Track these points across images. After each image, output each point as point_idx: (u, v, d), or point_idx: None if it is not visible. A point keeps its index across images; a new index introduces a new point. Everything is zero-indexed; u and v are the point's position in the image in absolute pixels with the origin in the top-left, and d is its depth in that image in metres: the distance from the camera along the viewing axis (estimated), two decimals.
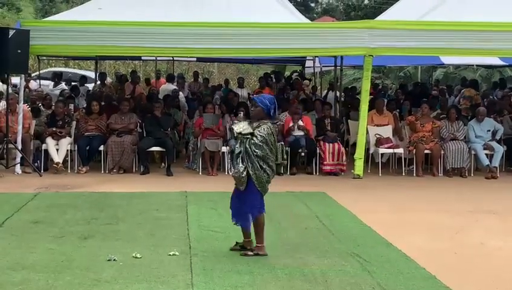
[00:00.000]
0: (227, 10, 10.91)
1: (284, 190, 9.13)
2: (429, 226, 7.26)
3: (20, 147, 10.16)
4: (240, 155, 5.70)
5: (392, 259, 5.84)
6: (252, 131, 5.70)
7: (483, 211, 8.11)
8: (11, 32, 9.80)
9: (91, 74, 19.58)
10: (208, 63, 29.00)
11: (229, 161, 10.68)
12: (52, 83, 16.72)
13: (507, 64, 19.17)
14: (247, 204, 5.83)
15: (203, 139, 10.70)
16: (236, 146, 5.78)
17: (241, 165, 5.68)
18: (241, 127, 5.75)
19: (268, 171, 5.74)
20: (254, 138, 5.67)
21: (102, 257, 5.63)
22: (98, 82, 16.01)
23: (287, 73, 21.89)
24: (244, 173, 5.68)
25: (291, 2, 15.18)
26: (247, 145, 5.67)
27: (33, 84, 16.23)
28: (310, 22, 13.07)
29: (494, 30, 10.16)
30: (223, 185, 9.45)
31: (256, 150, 5.65)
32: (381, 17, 11.64)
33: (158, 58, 17.70)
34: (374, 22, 10.77)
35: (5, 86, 12.07)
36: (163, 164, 11.04)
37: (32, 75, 17.69)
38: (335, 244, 6.29)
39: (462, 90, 15.88)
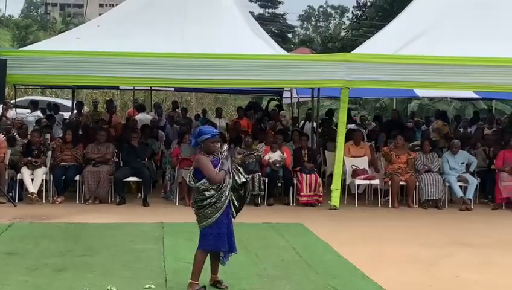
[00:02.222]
0: (206, 41, 10.97)
1: (261, 221, 9.15)
2: (405, 258, 7.30)
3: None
4: None
5: None
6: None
7: (458, 243, 8.18)
8: None
9: (68, 103, 19.49)
10: (186, 93, 29.06)
11: None
12: (29, 111, 16.64)
13: (480, 97, 19.51)
14: None
15: (180, 169, 10.68)
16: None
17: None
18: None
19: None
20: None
21: None
22: (75, 111, 15.95)
23: (264, 103, 22.00)
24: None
25: (268, 33, 15.36)
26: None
27: (10, 113, 16.11)
28: (287, 53, 13.19)
29: (467, 64, 10.33)
30: None
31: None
32: (358, 50, 11.78)
33: (136, 87, 17.70)
34: (350, 55, 10.91)
35: None
36: (139, 194, 10.99)
37: (11, 102, 17.52)
38: (311, 277, 6.30)
39: (433, 123, 16.14)
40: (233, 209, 5.80)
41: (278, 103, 19.48)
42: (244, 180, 5.80)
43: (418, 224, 9.61)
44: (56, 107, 16.95)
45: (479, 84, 11.14)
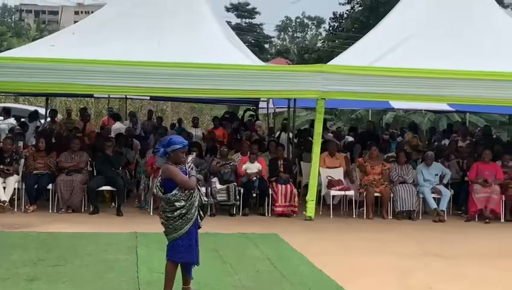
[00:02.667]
0: (182, 51, 10.93)
1: (236, 231, 9.13)
2: (379, 269, 7.32)
3: None
4: None
5: None
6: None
7: (431, 254, 8.24)
8: None
9: (41, 110, 19.27)
10: (162, 102, 28.93)
11: None
12: (1, 118, 16.41)
13: (454, 110, 19.74)
14: None
15: (154, 178, 10.60)
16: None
17: None
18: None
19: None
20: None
21: None
22: (48, 119, 15.77)
23: (240, 112, 22.01)
24: None
25: (245, 43, 15.38)
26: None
27: None
28: (264, 64, 13.23)
29: (442, 77, 10.45)
30: None
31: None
32: (334, 61, 11.86)
33: (111, 95, 17.58)
34: (326, 66, 10.97)
35: None
36: (113, 204, 10.89)
37: None
38: (286, 288, 6.29)
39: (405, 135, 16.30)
40: (200, 220, 5.73)
41: (253, 113, 19.50)
42: (204, 202, 5.75)
43: (392, 235, 9.66)
44: (35, 114, 16.69)
45: (453, 97, 11.26)
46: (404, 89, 10.60)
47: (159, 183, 5.60)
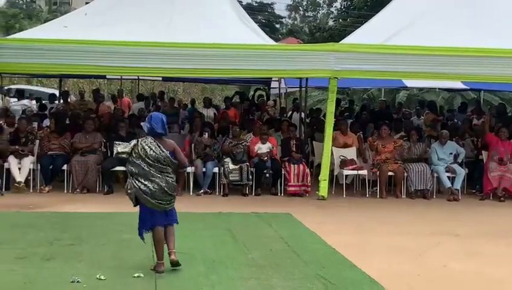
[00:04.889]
0: (194, 31, 10.90)
1: (249, 210, 9.16)
2: (392, 248, 7.32)
3: None
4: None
5: (357, 281, 5.88)
6: (128, 151, 5.89)
7: (446, 233, 8.22)
8: None
9: (55, 92, 19.36)
10: (173, 83, 28.94)
11: (193, 181, 10.68)
12: (15, 99, 16.52)
13: (468, 88, 19.59)
14: (139, 220, 6.01)
15: None
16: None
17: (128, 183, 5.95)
18: (121, 147, 5.97)
19: (150, 186, 5.80)
20: (130, 157, 5.89)
21: (66, 279, 5.55)
22: (61, 100, 15.84)
23: (252, 93, 21.96)
24: (129, 190, 5.90)
25: (256, 23, 15.29)
26: (126, 165, 5.97)
27: None
28: (275, 43, 13.16)
29: (456, 55, 10.33)
30: (188, 206, 9.44)
31: (131, 168, 5.87)
32: (347, 40, 11.76)
33: (123, 77, 17.61)
34: (339, 45, 10.90)
35: None
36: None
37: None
38: (300, 266, 6.31)
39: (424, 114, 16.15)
40: None
41: (263, 92, 19.46)
42: None
43: (406, 214, 9.66)
44: (53, 97, 16.80)
45: (468, 75, 11.21)
46: (417, 67, 10.51)
47: (168, 152, 5.90)
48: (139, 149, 5.82)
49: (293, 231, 7.97)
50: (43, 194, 10.25)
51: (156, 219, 5.91)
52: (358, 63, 10.43)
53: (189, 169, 10.61)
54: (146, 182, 5.79)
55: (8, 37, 13.50)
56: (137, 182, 5.80)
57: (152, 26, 11.02)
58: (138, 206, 5.98)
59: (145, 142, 5.86)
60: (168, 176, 5.90)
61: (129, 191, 5.89)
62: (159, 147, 5.86)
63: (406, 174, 10.98)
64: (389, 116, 14.99)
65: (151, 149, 5.82)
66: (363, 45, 10.60)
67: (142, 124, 5.90)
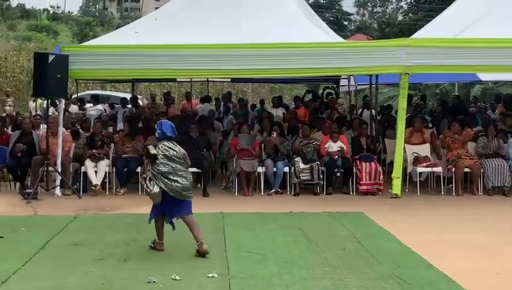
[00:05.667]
0: (262, 32, 10.95)
1: (320, 210, 9.11)
2: (469, 246, 7.12)
3: (59, 170, 10.32)
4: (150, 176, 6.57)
5: (433, 280, 5.75)
6: (157, 153, 6.51)
7: None
8: (51, 58, 10.01)
9: (127, 96, 19.84)
10: (242, 84, 29.16)
11: (263, 181, 10.71)
12: (91, 105, 17.02)
13: None
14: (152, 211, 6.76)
15: (238, 159, 10.72)
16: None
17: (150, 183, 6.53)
18: (153, 150, 6.56)
19: (180, 180, 6.49)
20: (156, 160, 6.51)
21: (142, 279, 5.66)
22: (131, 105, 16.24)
23: (320, 91, 21.82)
24: (154, 190, 6.47)
25: (324, 21, 15.19)
26: (151, 166, 6.58)
27: (72, 107, 16.52)
28: (344, 40, 13.04)
29: None
30: (259, 206, 9.50)
31: (159, 168, 6.48)
32: (418, 34, 11.55)
33: (193, 79, 17.86)
34: (410, 40, 10.69)
35: (53, 109, 12.32)
36: (199, 185, 11.08)
37: (73, 96, 17.97)
38: (374, 266, 6.21)
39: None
40: None
41: (332, 91, 19.29)
42: None
43: (483, 211, 9.37)
44: (125, 101, 17.26)
45: None
46: (492, 60, 10.18)
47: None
48: (163, 150, 6.51)
49: (366, 230, 7.86)
50: (119, 196, 10.51)
51: (166, 210, 6.66)
52: (430, 57, 10.20)
53: (260, 169, 10.66)
54: (176, 178, 6.48)
55: (82, 44, 13.92)
56: (166, 180, 6.44)
57: (220, 29, 11.14)
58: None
59: (164, 145, 6.56)
60: (188, 171, 6.72)
61: (154, 191, 6.44)
62: (177, 146, 6.62)
63: (482, 170, 10.65)
64: (463, 111, 14.58)
65: (172, 150, 6.54)
66: (436, 39, 10.38)
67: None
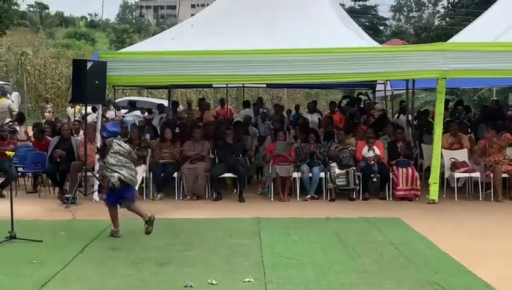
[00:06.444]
0: (298, 38, 10.95)
1: (357, 215, 9.06)
2: (509, 253, 7.01)
3: (97, 175, 10.47)
4: None
5: (472, 287, 5.68)
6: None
7: None
8: (89, 64, 10.18)
9: (164, 102, 20.04)
10: (278, 89, 29.18)
11: (299, 186, 10.70)
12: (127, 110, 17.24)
13: None
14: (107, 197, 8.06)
15: (274, 164, 10.74)
16: None
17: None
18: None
19: (124, 172, 7.60)
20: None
21: (179, 283, 5.71)
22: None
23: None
24: (111, 178, 7.56)
25: (359, 26, 15.11)
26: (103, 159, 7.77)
27: (110, 113, 16.75)
28: (380, 45, 12.96)
29: None
30: (295, 211, 9.49)
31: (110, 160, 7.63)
32: (455, 39, 11.41)
33: (229, 85, 17.95)
34: (447, 44, 10.58)
35: (94, 115, 12.48)
36: (235, 190, 11.13)
37: (117, 101, 18.20)
38: (412, 272, 6.16)
39: None
40: None
41: (366, 97, 19.18)
42: None
43: None
44: (161, 107, 17.45)
45: None
46: None
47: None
48: (113, 146, 7.60)
49: (403, 236, 7.80)
50: (156, 201, 10.60)
51: (113, 199, 7.78)
52: (467, 62, 10.09)
53: (296, 174, 10.66)
54: (123, 170, 7.56)
55: (119, 51, 14.11)
56: (118, 170, 7.53)
57: (256, 34, 11.17)
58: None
59: (114, 141, 7.64)
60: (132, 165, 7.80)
61: (112, 180, 7.50)
62: (124, 143, 7.85)
63: None
64: (502, 116, 14.35)
65: (120, 145, 7.65)
66: (473, 43, 10.25)
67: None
